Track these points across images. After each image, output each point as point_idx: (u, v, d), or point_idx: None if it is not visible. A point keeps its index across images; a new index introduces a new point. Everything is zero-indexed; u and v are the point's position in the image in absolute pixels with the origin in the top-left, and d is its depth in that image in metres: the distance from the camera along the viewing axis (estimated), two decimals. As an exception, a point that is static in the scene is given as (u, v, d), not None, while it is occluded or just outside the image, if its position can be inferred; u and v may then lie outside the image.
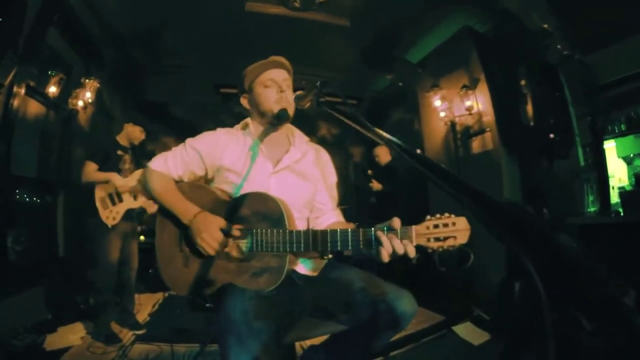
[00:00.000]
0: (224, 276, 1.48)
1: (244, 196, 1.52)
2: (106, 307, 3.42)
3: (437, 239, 1.24)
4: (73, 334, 3.49)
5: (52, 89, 3.88)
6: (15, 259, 3.46)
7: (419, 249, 1.27)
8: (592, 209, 3.57)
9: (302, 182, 1.70)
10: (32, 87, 3.61)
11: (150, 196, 1.64)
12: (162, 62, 5.77)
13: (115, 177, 3.30)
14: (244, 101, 1.77)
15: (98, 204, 3.31)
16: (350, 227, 1.46)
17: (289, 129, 1.80)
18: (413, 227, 1.27)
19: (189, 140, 1.69)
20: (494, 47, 4.51)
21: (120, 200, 3.37)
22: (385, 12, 4.62)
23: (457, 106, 4.94)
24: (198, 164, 1.67)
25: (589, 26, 3.47)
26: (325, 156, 1.88)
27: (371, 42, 5.39)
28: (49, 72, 3.84)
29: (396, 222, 1.27)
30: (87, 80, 4.36)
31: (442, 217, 1.25)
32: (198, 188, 1.65)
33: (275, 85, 1.65)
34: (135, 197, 3.40)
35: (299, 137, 1.81)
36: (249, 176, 1.61)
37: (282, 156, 1.69)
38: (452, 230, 1.23)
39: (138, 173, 3.39)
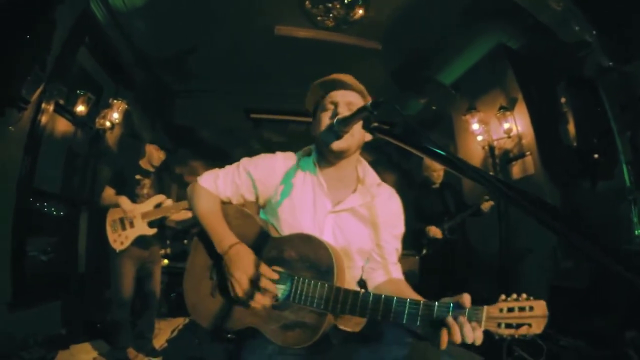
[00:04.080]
0: (250, 318, 1.30)
1: (292, 235, 1.35)
2: (121, 330, 3.31)
3: (508, 326, 1.00)
4: (85, 354, 3.40)
5: (80, 108, 3.91)
6: (36, 270, 3.45)
7: (485, 334, 1.03)
8: (639, 232, 3.19)
9: (363, 227, 1.47)
10: (61, 105, 3.65)
11: (194, 214, 1.53)
12: (191, 86, 5.86)
13: (123, 201, 3.24)
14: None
15: (108, 227, 3.27)
16: (411, 294, 1.27)
17: (360, 164, 1.56)
18: (485, 308, 1.03)
19: (244, 161, 1.55)
20: (530, 64, 4.28)
21: (132, 226, 3.29)
22: (417, 33, 4.50)
23: (495, 129, 4.71)
24: (249, 189, 1.52)
25: (628, 33, 3.15)
26: (396, 202, 1.60)
27: (403, 64, 5.28)
28: (78, 91, 3.88)
29: (466, 299, 1.03)
30: (115, 101, 4.40)
31: (520, 298, 1.02)
32: (244, 216, 1.49)
33: (333, 109, 1.42)
34: (149, 224, 3.32)
35: (370, 177, 1.55)
36: (303, 213, 1.42)
37: (346, 196, 1.47)
38: (528, 316, 1.00)
39: (156, 199, 3.34)
